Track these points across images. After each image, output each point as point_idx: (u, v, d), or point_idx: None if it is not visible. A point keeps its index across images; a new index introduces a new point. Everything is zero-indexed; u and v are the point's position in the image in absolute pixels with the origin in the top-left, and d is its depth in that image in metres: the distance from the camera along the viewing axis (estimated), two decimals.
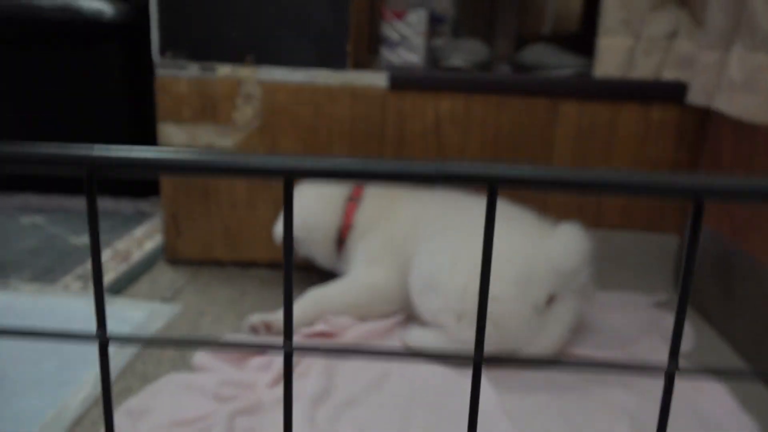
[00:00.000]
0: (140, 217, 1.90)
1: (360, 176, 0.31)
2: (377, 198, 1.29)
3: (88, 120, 2.05)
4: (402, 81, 1.42)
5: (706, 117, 1.35)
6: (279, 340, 1.13)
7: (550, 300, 1.10)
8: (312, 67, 1.42)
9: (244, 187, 1.49)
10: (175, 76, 1.43)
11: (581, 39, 1.76)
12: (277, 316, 1.17)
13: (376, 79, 1.42)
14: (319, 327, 1.14)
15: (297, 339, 1.13)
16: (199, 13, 1.41)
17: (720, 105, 1.16)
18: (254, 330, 1.17)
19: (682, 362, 1.14)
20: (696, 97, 1.28)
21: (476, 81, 1.43)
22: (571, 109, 1.44)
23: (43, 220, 1.84)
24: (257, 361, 1.08)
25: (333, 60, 1.41)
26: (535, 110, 1.44)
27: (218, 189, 1.49)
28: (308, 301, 1.19)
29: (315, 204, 1.31)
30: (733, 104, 1.11)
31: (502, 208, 1.20)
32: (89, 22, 1.94)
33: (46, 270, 1.46)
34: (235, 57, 1.42)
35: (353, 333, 1.14)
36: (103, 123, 2.05)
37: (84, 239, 1.70)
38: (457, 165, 0.31)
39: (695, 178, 0.30)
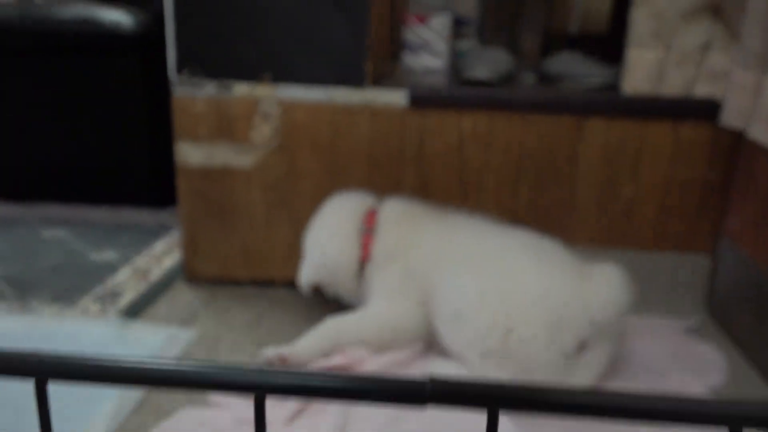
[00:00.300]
0: (160, 230, 1.89)
1: (331, 395, 0.28)
2: (395, 227, 1.26)
3: (107, 132, 2.05)
4: (423, 99, 1.38)
5: (741, 137, 1.29)
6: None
7: (582, 345, 1.05)
8: (330, 85, 1.39)
9: (263, 206, 1.47)
10: (192, 95, 1.41)
11: (610, 41, 1.70)
12: (292, 349, 1.15)
13: (395, 97, 1.39)
14: (336, 360, 1.11)
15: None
16: (216, 30, 1.39)
17: (756, 134, 1.10)
18: (270, 363, 1.15)
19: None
20: (730, 119, 1.22)
21: (499, 98, 1.39)
22: (597, 127, 1.39)
23: (65, 234, 1.84)
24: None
25: (352, 78, 1.38)
26: (560, 128, 1.39)
27: (236, 208, 1.47)
28: (324, 332, 1.17)
29: (331, 245, 1.27)
30: None
31: (537, 242, 1.15)
32: (109, 34, 1.93)
33: (65, 290, 1.46)
34: (252, 75, 1.40)
35: (371, 365, 1.12)
36: (122, 135, 2.04)
37: (104, 255, 1.70)
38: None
39: (730, 406, 0.26)
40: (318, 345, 1.16)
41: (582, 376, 1.06)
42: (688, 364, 1.21)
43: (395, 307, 1.19)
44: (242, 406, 1.02)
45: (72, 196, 2.12)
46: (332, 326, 1.18)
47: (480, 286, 1.08)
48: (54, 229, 1.88)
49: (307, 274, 1.31)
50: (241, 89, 1.40)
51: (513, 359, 1.03)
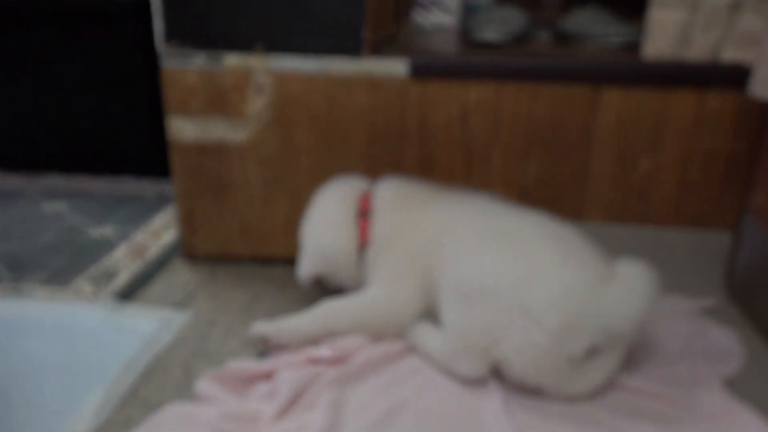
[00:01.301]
0: (161, 202, 1.85)
1: None
2: (393, 209, 1.18)
3: (107, 102, 1.99)
4: (424, 68, 1.29)
5: None
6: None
7: (592, 350, 0.98)
8: (326, 55, 1.30)
9: (260, 182, 1.41)
10: (182, 66, 1.34)
11: None
12: (278, 328, 1.11)
13: (395, 67, 1.30)
14: (325, 352, 1.06)
15: (300, 361, 1.06)
16: None
17: None
18: (254, 337, 1.13)
19: (728, 387, 1.04)
20: (759, 89, 1.11)
21: (507, 66, 1.29)
22: (614, 97, 1.29)
23: (65, 208, 1.81)
24: (262, 387, 1.02)
25: (348, 46, 1.29)
26: (573, 97, 1.29)
27: (233, 184, 1.41)
28: (317, 316, 1.12)
29: (327, 234, 1.20)
30: None
31: (558, 229, 1.06)
32: (108, 3, 1.86)
33: (60, 270, 1.43)
34: (244, 45, 1.31)
35: (362, 357, 1.07)
36: (123, 105, 1.98)
37: (102, 231, 1.66)
38: None
39: None
40: (307, 329, 1.11)
41: (590, 377, 0.99)
42: (703, 350, 1.13)
43: (394, 293, 1.13)
44: (230, 400, 0.98)
45: (73, 167, 2.08)
46: (325, 311, 1.13)
47: (496, 270, 1.00)
48: (54, 203, 1.84)
49: (306, 267, 1.24)
50: (233, 60, 1.32)
51: (516, 354, 0.97)
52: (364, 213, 1.19)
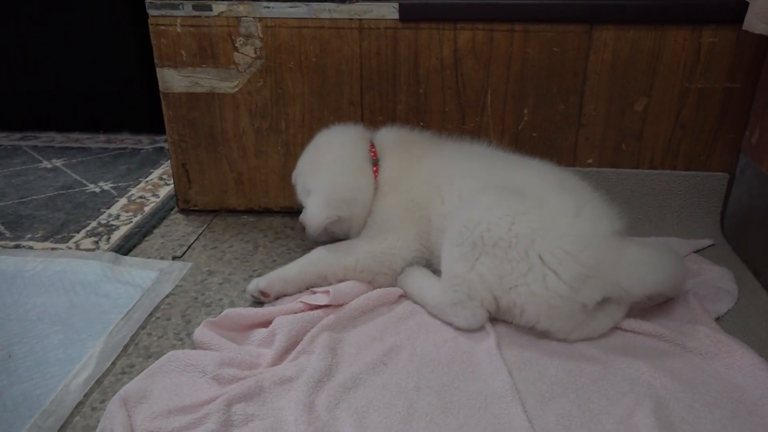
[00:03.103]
0: (158, 157, 1.85)
1: None
2: (396, 156, 1.18)
3: (103, 58, 1.96)
4: (414, 11, 1.27)
5: (767, 41, 1.16)
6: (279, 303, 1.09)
7: (604, 300, 1.00)
8: (314, 1, 1.28)
9: (253, 132, 1.40)
10: (169, 15, 1.32)
11: None
12: (269, 279, 1.13)
13: (385, 11, 1.27)
14: (322, 298, 1.08)
15: (298, 307, 1.08)
16: None
17: None
18: (254, 297, 1.14)
19: (721, 324, 1.05)
20: (754, 24, 1.09)
21: (499, 7, 1.26)
22: (607, 36, 1.26)
23: (63, 164, 1.81)
24: (260, 333, 1.04)
25: None
26: (566, 39, 1.27)
27: (227, 137, 1.41)
28: (312, 263, 1.13)
29: (346, 177, 1.17)
30: None
31: (574, 184, 1.08)
32: None
33: (59, 226, 1.44)
34: None
35: (358, 303, 1.08)
36: (119, 60, 1.96)
37: (101, 186, 1.67)
38: None
39: None
40: (301, 276, 1.13)
41: (596, 325, 1.02)
42: (697, 288, 1.15)
43: (390, 238, 1.14)
44: (229, 346, 1.00)
45: (71, 125, 2.07)
46: (319, 257, 1.14)
47: (509, 221, 0.99)
48: (53, 159, 1.85)
49: (320, 214, 1.15)
50: (220, 8, 1.30)
51: (530, 303, 0.99)
52: (375, 160, 1.19)
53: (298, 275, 1.13)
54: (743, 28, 1.16)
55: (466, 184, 1.10)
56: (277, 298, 1.14)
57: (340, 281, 1.12)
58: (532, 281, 0.98)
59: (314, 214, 1.15)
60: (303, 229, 1.21)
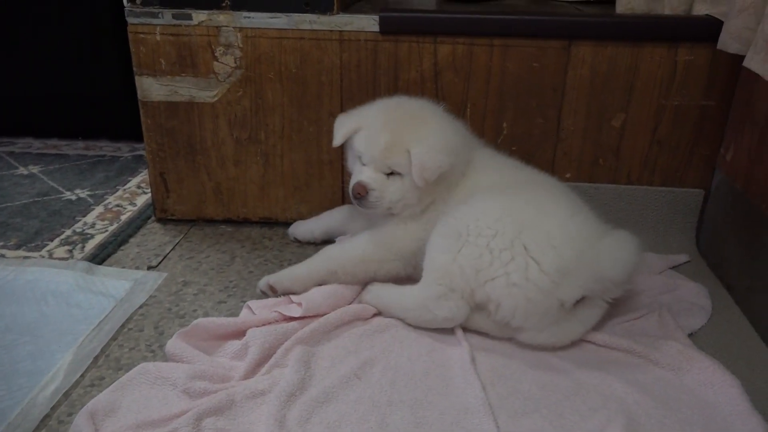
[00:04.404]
0: (137, 165, 1.83)
1: None
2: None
3: (83, 65, 1.95)
4: (394, 24, 1.27)
5: (741, 61, 1.17)
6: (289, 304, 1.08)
7: (580, 300, 1.01)
8: (295, 12, 1.28)
9: (232, 142, 1.39)
10: (149, 23, 1.31)
11: None
12: (278, 276, 1.15)
13: (366, 23, 1.28)
14: (296, 310, 1.07)
15: (273, 317, 1.07)
16: None
17: (753, 65, 0.99)
18: (264, 293, 1.15)
19: (695, 339, 1.06)
20: (728, 44, 1.11)
21: (479, 22, 1.27)
22: (585, 52, 1.27)
23: (39, 170, 1.79)
24: (233, 345, 1.03)
25: (318, 3, 1.27)
26: (544, 54, 1.28)
27: (205, 146, 1.40)
28: (320, 260, 1.15)
29: (458, 134, 1.15)
30: None
31: (565, 194, 1.10)
32: None
33: (33, 234, 1.42)
34: (211, 1, 1.29)
35: (332, 316, 1.07)
36: (98, 67, 1.95)
37: (77, 193, 1.64)
38: None
39: None
40: (311, 274, 1.14)
41: (570, 328, 1.02)
42: (671, 304, 1.15)
43: (391, 223, 1.15)
44: (202, 359, 0.99)
45: (50, 131, 2.05)
46: (328, 254, 1.16)
47: (496, 213, 1.02)
48: (29, 166, 1.82)
49: (437, 159, 1.07)
50: (200, 17, 1.30)
51: (509, 295, 0.99)
52: None
53: (307, 273, 1.14)
54: (718, 47, 1.18)
55: (475, 186, 1.13)
56: (285, 294, 1.14)
57: (351, 276, 1.14)
58: (513, 270, 0.99)
59: (431, 159, 1.07)
60: (362, 197, 1.11)
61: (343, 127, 1.15)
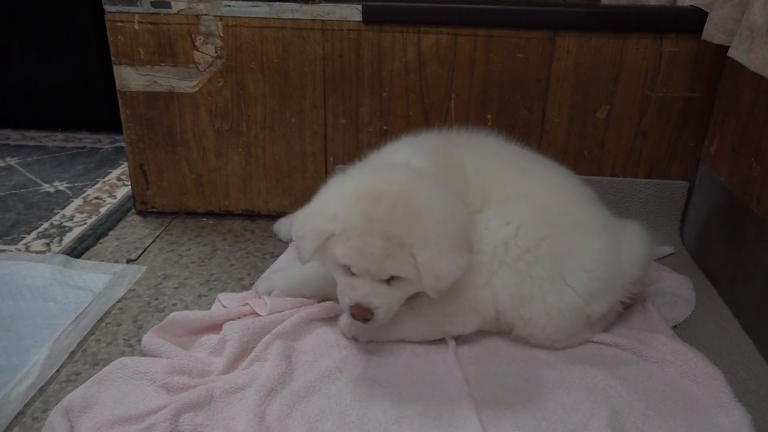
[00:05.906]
0: (118, 156, 1.81)
1: None
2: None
3: (62, 55, 1.91)
4: (377, 13, 1.26)
5: (726, 51, 1.17)
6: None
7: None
8: (276, 1, 1.26)
9: (213, 135, 1.37)
10: (126, 11, 1.28)
11: None
12: (272, 285, 1.11)
13: (348, 12, 1.26)
14: (262, 310, 1.06)
15: (246, 310, 1.05)
16: None
17: (737, 54, 0.98)
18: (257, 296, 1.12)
19: (678, 331, 1.06)
20: (712, 34, 1.10)
21: (463, 12, 1.26)
22: (570, 43, 1.26)
23: (17, 162, 1.76)
24: (210, 340, 1.01)
25: None
26: (529, 45, 1.27)
27: (186, 137, 1.38)
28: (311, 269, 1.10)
29: (463, 210, 0.98)
30: (752, 56, 0.93)
31: (591, 200, 1.06)
32: None
33: (9, 227, 1.39)
34: None
35: (315, 309, 1.06)
36: (78, 58, 1.91)
37: (56, 185, 1.62)
38: None
39: None
40: (305, 276, 1.10)
41: (585, 335, 1.03)
42: (655, 297, 1.15)
43: None
44: (180, 354, 0.97)
45: (28, 122, 2.01)
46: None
47: (531, 234, 0.97)
48: (6, 158, 1.79)
49: (462, 262, 0.91)
50: (179, 5, 1.27)
51: (542, 315, 0.98)
52: None
53: (304, 276, 1.10)
54: (702, 38, 1.17)
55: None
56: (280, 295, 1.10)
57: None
58: (550, 295, 0.98)
59: (443, 266, 0.88)
60: (366, 319, 0.91)
61: (310, 238, 0.91)
